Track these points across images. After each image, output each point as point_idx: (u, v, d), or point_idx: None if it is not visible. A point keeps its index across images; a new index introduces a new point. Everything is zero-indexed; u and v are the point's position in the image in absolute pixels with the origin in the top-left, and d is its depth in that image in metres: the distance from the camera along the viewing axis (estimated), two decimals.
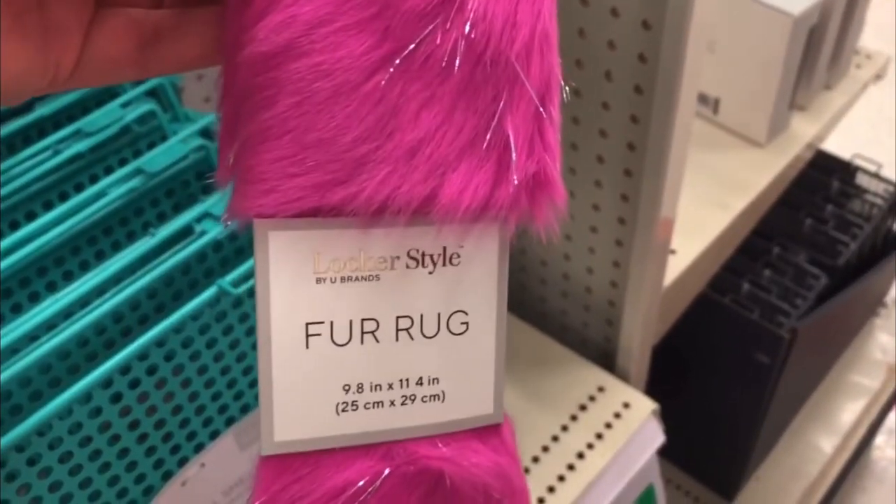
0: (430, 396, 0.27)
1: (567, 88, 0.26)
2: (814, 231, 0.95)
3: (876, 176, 0.99)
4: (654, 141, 0.57)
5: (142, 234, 0.47)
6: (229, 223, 0.26)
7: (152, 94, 0.52)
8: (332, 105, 0.24)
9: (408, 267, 0.26)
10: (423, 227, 0.25)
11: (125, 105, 0.50)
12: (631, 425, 0.67)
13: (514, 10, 0.24)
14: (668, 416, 0.70)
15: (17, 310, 0.44)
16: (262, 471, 0.27)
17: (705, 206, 0.79)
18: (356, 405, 0.26)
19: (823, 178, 0.99)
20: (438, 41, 0.23)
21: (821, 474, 1.05)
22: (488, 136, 0.25)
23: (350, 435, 0.27)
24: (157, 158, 0.48)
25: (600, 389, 0.70)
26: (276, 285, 0.25)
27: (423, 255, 0.26)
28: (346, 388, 0.26)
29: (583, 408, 0.69)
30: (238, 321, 0.45)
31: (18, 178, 0.46)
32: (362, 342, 0.26)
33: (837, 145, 1.01)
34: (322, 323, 0.25)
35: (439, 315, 0.26)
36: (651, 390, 0.73)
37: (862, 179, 1.00)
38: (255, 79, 0.24)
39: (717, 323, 0.88)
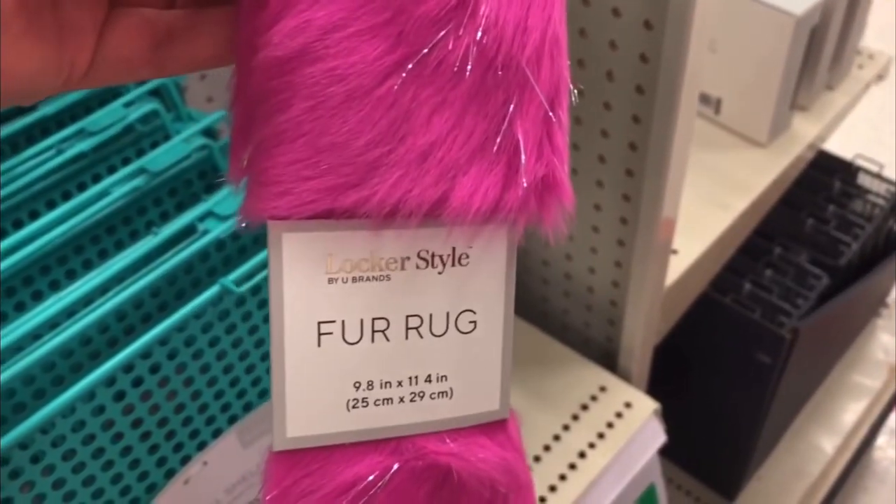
0: (439, 393, 0.28)
1: (575, 92, 0.26)
2: (815, 231, 0.95)
3: (878, 176, 0.99)
4: (656, 141, 0.57)
5: (145, 233, 0.47)
6: (243, 224, 0.26)
7: (155, 93, 0.52)
8: (346, 109, 0.24)
9: (418, 267, 0.26)
10: (433, 229, 0.26)
11: (128, 104, 0.50)
12: (632, 425, 0.67)
13: (525, 16, 0.24)
14: (669, 416, 0.70)
15: (21, 308, 0.44)
16: (274, 466, 0.27)
17: (707, 206, 0.79)
18: (366, 402, 0.27)
19: (825, 178, 0.99)
20: (451, 46, 0.24)
21: (822, 474, 1.05)
22: (498, 140, 0.25)
23: (360, 431, 0.27)
24: (160, 158, 0.48)
25: (602, 389, 0.70)
26: (289, 285, 0.25)
27: (433, 255, 0.26)
28: (357, 385, 0.27)
29: (584, 407, 0.69)
30: (241, 320, 0.45)
31: (22, 177, 0.46)
32: (373, 340, 0.26)
33: (839, 145, 1.01)
34: (334, 322, 0.26)
35: (448, 314, 0.27)
36: (652, 390, 0.73)
37: (863, 180, 1.00)
38: (270, 82, 0.24)
39: (718, 323, 0.88)
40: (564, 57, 0.26)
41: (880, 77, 0.98)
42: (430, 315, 0.27)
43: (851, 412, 1.09)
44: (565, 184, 0.26)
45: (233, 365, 0.46)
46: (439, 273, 0.26)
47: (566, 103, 0.26)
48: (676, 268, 0.73)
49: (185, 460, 0.45)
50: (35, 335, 0.40)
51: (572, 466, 0.64)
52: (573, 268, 0.72)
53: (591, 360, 0.73)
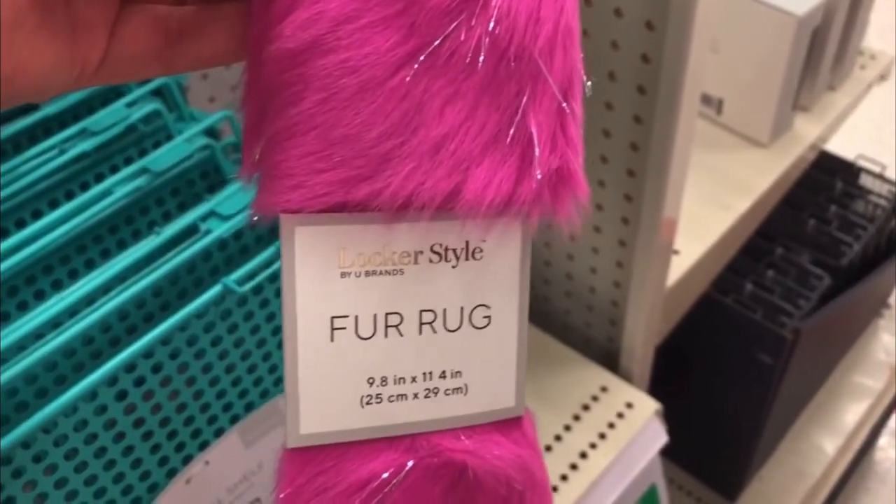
0: (453, 389, 0.27)
1: (588, 84, 0.26)
2: (817, 232, 0.95)
3: (880, 177, 0.99)
4: (658, 141, 0.57)
5: (147, 233, 0.47)
6: (256, 218, 0.26)
7: (157, 93, 0.52)
8: (358, 101, 0.24)
9: (431, 261, 0.26)
10: (446, 222, 0.26)
11: (130, 104, 0.50)
12: (634, 425, 0.67)
13: (537, 6, 0.24)
14: (670, 417, 0.70)
15: (24, 307, 0.44)
16: (287, 463, 0.27)
17: (708, 206, 0.79)
18: (380, 398, 0.27)
19: (827, 178, 0.99)
20: (463, 37, 0.24)
21: (824, 475, 1.05)
22: (511, 132, 0.25)
23: (374, 427, 0.27)
24: (163, 157, 0.48)
25: (603, 389, 0.70)
26: (301, 279, 0.25)
27: (447, 249, 0.26)
28: (371, 380, 0.27)
29: (586, 407, 0.69)
30: (243, 319, 0.45)
31: (24, 177, 0.46)
32: (386, 336, 0.26)
33: (841, 146, 1.01)
34: (347, 317, 0.26)
35: (462, 309, 0.27)
36: (654, 390, 0.73)
37: (865, 180, 1.00)
38: (282, 75, 0.24)
39: (720, 323, 0.88)
40: (577, 48, 0.26)
41: (882, 77, 0.98)
42: (444, 310, 0.27)
43: (853, 413, 1.09)
44: (579, 176, 0.26)
45: (235, 365, 0.46)
46: (453, 267, 0.26)
47: (580, 94, 0.26)
48: (678, 268, 0.73)
49: (187, 460, 0.45)
50: (37, 334, 0.40)
51: (573, 467, 0.64)
52: (574, 268, 0.72)
53: (592, 360, 0.73)
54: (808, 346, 0.88)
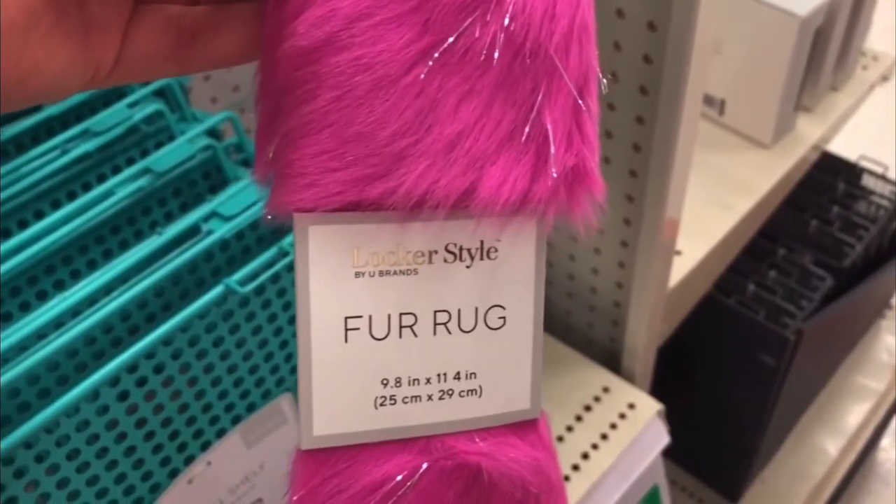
0: (468, 391, 0.27)
1: (605, 80, 0.26)
2: (819, 232, 0.95)
3: (882, 177, 0.99)
4: (660, 142, 0.57)
5: (149, 234, 0.47)
6: (270, 217, 0.26)
7: (160, 94, 0.52)
8: (372, 99, 0.24)
9: (445, 261, 0.26)
10: (461, 221, 0.25)
11: (133, 105, 0.50)
12: (636, 426, 0.67)
13: (553, 3, 0.24)
14: (673, 418, 0.70)
15: (26, 308, 0.44)
16: (301, 465, 0.27)
17: (711, 207, 0.79)
18: (394, 399, 0.26)
19: (829, 179, 0.99)
20: (478, 34, 0.24)
21: (826, 476, 1.05)
22: (527, 129, 0.25)
23: (388, 429, 0.27)
24: (165, 158, 0.48)
25: (605, 390, 0.70)
26: (315, 279, 0.25)
27: (461, 249, 0.26)
28: (385, 382, 0.26)
29: (588, 408, 0.69)
30: (244, 320, 0.45)
31: (27, 178, 0.46)
32: (400, 336, 0.26)
33: (843, 147, 1.01)
34: (361, 317, 0.26)
35: (476, 309, 0.27)
36: (656, 391, 0.73)
37: (868, 181, 1.00)
38: (296, 73, 0.24)
39: (722, 324, 0.88)
40: (593, 44, 0.25)
41: (885, 78, 0.98)
42: (459, 310, 0.26)
43: (855, 414, 1.09)
44: (595, 174, 0.26)
45: (237, 365, 0.46)
46: (467, 267, 0.26)
47: (595, 91, 0.26)
48: (680, 269, 0.73)
49: (189, 460, 0.45)
50: (40, 335, 0.40)
51: (575, 468, 0.64)
52: (576, 269, 0.72)
53: (594, 360, 0.73)
54: (810, 347, 0.88)
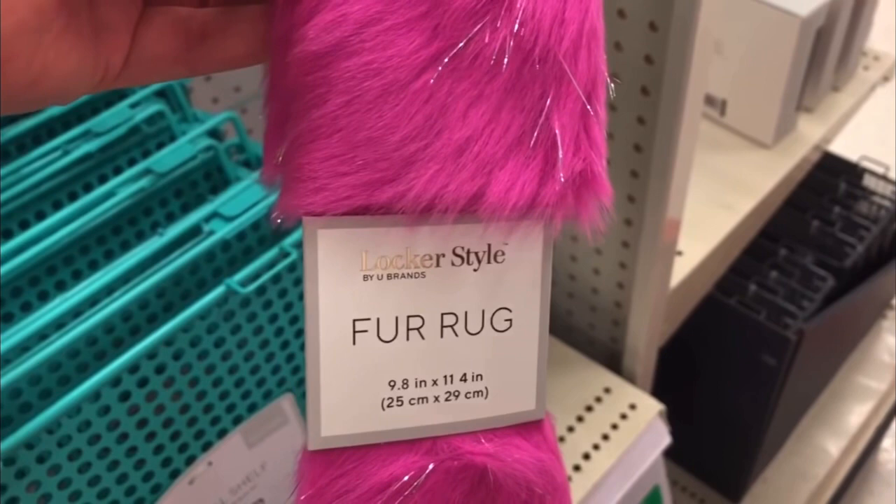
0: (474, 392, 0.27)
1: (612, 85, 0.26)
2: (820, 233, 0.95)
3: (883, 178, 0.99)
4: (661, 142, 0.57)
5: (150, 234, 0.47)
6: (279, 220, 0.26)
7: (161, 94, 0.52)
8: (382, 104, 0.24)
9: (453, 264, 0.26)
10: (469, 225, 0.26)
11: (134, 105, 0.51)
12: (637, 426, 0.67)
13: (562, 8, 0.24)
14: (674, 418, 0.70)
15: (27, 308, 0.44)
16: (308, 465, 0.27)
17: (712, 207, 0.79)
18: (401, 401, 0.27)
19: (830, 179, 0.99)
20: (487, 39, 0.24)
21: (827, 477, 1.04)
22: (535, 134, 0.25)
23: (395, 430, 0.27)
24: (166, 159, 0.48)
25: (606, 390, 0.70)
26: (324, 282, 0.25)
27: (469, 252, 0.26)
28: (392, 383, 0.27)
29: (589, 409, 0.69)
30: (246, 320, 0.45)
31: (28, 178, 0.46)
32: (408, 338, 0.26)
33: (844, 147, 1.01)
34: (369, 319, 0.26)
35: (483, 312, 0.27)
36: (657, 391, 0.73)
37: (869, 181, 1.00)
38: (306, 77, 0.24)
39: (723, 324, 0.88)
40: (602, 49, 0.25)
41: (886, 78, 0.98)
42: (466, 313, 0.27)
43: (857, 414, 1.09)
44: (603, 178, 0.26)
45: (238, 366, 0.46)
46: (475, 270, 0.26)
47: (603, 96, 0.26)
48: (681, 269, 0.73)
49: (190, 460, 0.45)
50: (41, 335, 0.40)
51: (577, 468, 0.64)
52: (578, 269, 0.72)
53: (595, 361, 0.73)
54: (811, 348, 0.88)
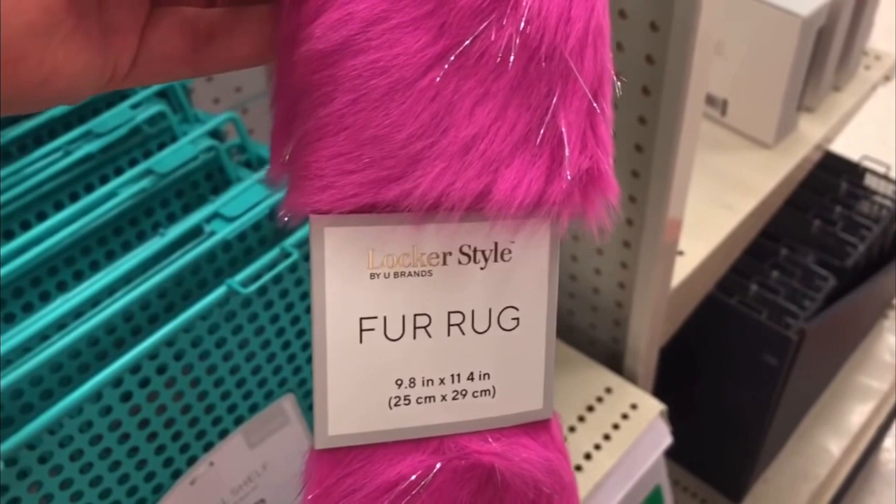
0: (481, 392, 0.27)
1: (618, 83, 0.26)
2: (822, 232, 0.95)
3: (884, 177, 0.99)
4: (662, 142, 0.57)
5: (152, 235, 0.47)
6: (286, 218, 0.26)
7: (162, 95, 0.52)
8: (388, 102, 0.24)
9: (460, 263, 0.26)
10: (475, 223, 0.26)
11: (135, 106, 0.51)
12: (638, 426, 0.67)
13: (568, 5, 0.24)
14: (675, 418, 0.70)
15: (29, 309, 0.44)
16: (315, 465, 0.27)
17: (713, 207, 0.79)
18: (408, 399, 0.27)
19: (831, 179, 0.99)
20: (493, 37, 0.24)
21: (829, 476, 1.04)
22: (541, 132, 0.25)
23: (402, 429, 0.27)
24: (167, 159, 0.48)
25: (608, 390, 0.70)
26: (331, 281, 0.25)
27: (475, 250, 0.26)
28: (399, 382, 0.27)
29: (590, 409, 0.69)
30: (247, 321, 0.45)
31: (29, 179, 0.46)
32: (414, 337, 0.26)
33: (846, 147, 1.01)
34: (375, 318, 0.26)
35: (490, 311, 0.27)
36: (658, 391, 0.73)
37: (870, 181, 1.00)
38: (312, 76, 0.24)
39: (724, 324, 0.88)
40: (608, 47, 0.25)
41: (887, 78, 0.98)
42: (472, 311, 0.27)
43: (858, 414, 1.09)
44: (610, 176, 0.26)
45: (239, 366, 0.46)
46: (481, 268, 0.26)
47: (610, 94, 0.26)
48: (682, 269, 0.73)
49: (192, 461, 0.45)
50: (43, 336, 0.40)
51: (578, 468, 0.64)
52: (578, 269, 0.72)
53: (596, 361, 0.73)
54: (813, 347, 0.88)
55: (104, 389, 0.40)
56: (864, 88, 0.94)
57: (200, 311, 0.42)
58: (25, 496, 0.39)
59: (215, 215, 0.45)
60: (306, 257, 0.47)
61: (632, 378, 0.72)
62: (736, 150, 0.86)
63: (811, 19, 0.77)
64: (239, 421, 0.47)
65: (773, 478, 1.05)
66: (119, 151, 0.50)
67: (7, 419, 0.39)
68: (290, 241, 0.45)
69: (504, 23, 0.24)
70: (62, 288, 0.45)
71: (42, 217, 0.47)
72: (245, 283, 0.44)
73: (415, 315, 0.26)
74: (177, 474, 0.45)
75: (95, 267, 0.46)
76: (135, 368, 0.41)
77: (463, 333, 0.27)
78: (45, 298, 0.45)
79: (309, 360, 0.50)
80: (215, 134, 0.51)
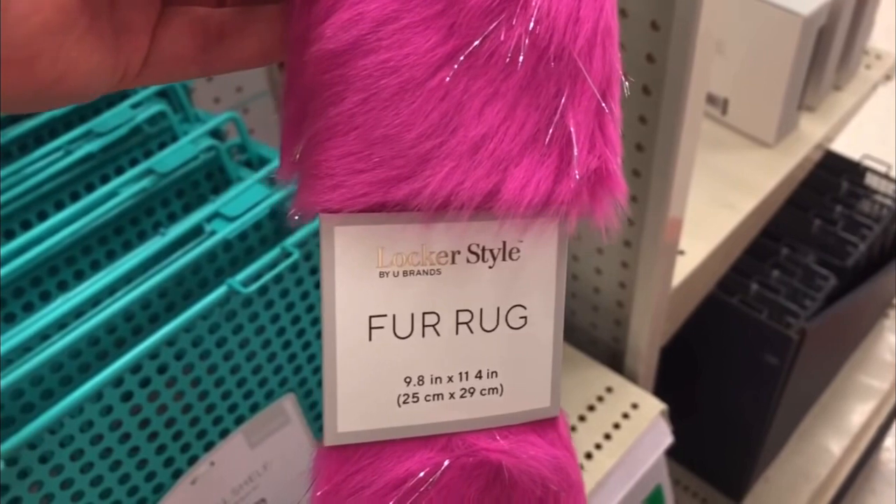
0: (489, 389, 0.28)
1: (628, 84, 0.26)
2: (822, 232, 0.95)
3: (885, 176, 0.99)
4: (663, 141, 0.57)
5: (152, 234, 0.47)
6: (296, 217, 0.26)
7: (163, 94, 0.52)
8: (398, 101, 0.24)
9: (468, 261, 0.26)
10: (484, 222, 0.26)
11: (136, 106, 0.51)
12: (639, 426, 0.67)
13: (577, 6, 0.24)
14: (676, 417, 0.70)
15: (29, 308, 0.44)
16: (324, 461, 0.27)
17: (714, 206, 0.79)
18: (417, 397, 0.27)
19: (832, 178, 0.99)
20: (503, 37, 0.24)
21: (829, 476, 1.04)
22: (550, 132, 0.25)
23: (411, 427, 0.27)
24: (168, 159, 0.48)
25: (608, 390, 0.70)
26: (340, 279, 0.26)
27: (484, 249, 0.26)
28: (408, 380, 0.27)
29: (591, 408, 0.69)
30: (247, 320, 0.45)
31: (30, 179, 0.46)
32: (423, 335, 0.26)
33: (846, 146, 1.01)
34: (385, 316, 0.26)
35: (498, 309, 0.27)
36: (659, 391, 0.73)
37: (871, 180, 1.00)
38: (323, 76, 0.24)
39: (725, 323, 0.88)
40: (616, 48, 0.26)
41: (888, 77, 0.98)
42: (481, 310, 0.27)
43: (859, 413, 1.09)
44: (618, 176, 0.26)
45: (240, 366, 0.46)
46: (490, 267, 0.26)
47: (618, 94, 0.26)
48: (683, 268, 0.73)
49: (193, 460, 0.45)
50: (43, 336, 0.40)
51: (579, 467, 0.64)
52: (579, 269, 0.72)
53: (597, 360, 0.73)
54: (813, 347, 0.88)
55: (105, 389, 0.40)
56: (864, 88, 0.94)
57: (201, 311, 0.42)
58: (26, 496, 0.39)
59: (216, 215, 0.45)
60: (307, 257, 0.47)
61: (632, 377, 0.72)
62: (737, 149, 0.86)
63: (812, 18, 0.77)
64: (240, 420, 0.47)
65: (774, 477, 1.05)
66: (120, 151, 0.50)
67: (8, 419, 0.39)
68: (290, 241, 0.45)
69: (514, 23, 0.24)
70: (63, 287, 0.45)
71: (43, 216, 0.47)
72: (246, 283, 0.44)
73: (423, 313, 0.26)
74: (177, 474, 0.45)
75: (96, 266, 0.46)
76: (135, 368, 0.41)
77: (471, 332, 0.27)
78: (46, 298, 0.45)
79: (309, 359, 0.50)
80: (216, 133, 0.51)
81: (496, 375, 0.28)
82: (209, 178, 0.50)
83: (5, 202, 0.45)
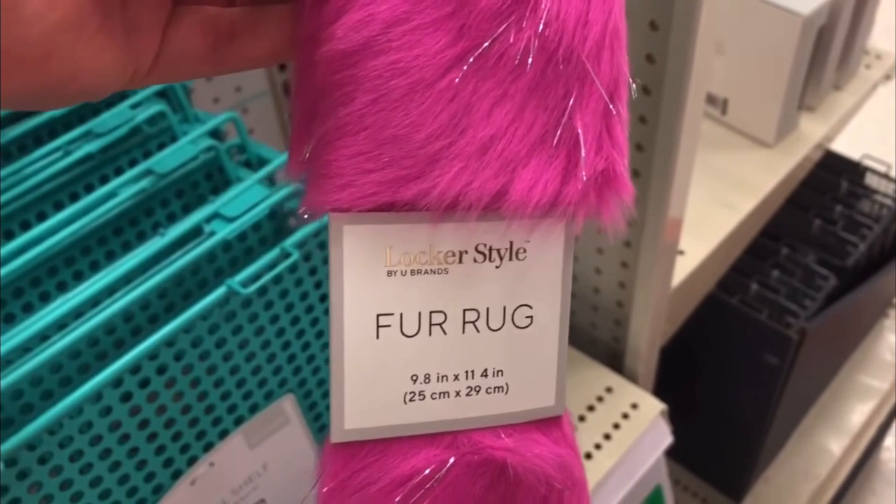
0: (495, 388, 0.28)
1: (635, 86, 0.27)
2: (822, 232, 0.95)
3: (885, 176, 0.99)
4: (663, 141, 0.57)
5: (152, 235, 0.47)
6: (306, 215, 0.26)
7: (162, 95, 0.52)
8: (408, 102, 0.24)
9: (475, 261, 0.26)
10: (491, 223, 0.26)
11: (135, 106, 0.51)
12: (639, 426, 0.67)
13: (586, 9, 0.24)
14: (676, 417, 0.70)
15: (29, 309, 0.44)
16: (330, 458, 0.28)
17: (713, 206, 0.79)
18: (423, 395, 0.27)
19: (832, 178, 0.99)
20: (512, 39, 0.24)
21: (829, 476, 1.04)
22: (558, 133, 0.25)
23: (417, 424, 0.27)
24: (167, 159, 0.48)
25: (608, 390, 0.70)
26: (349, 278, 0.26)
27: (491, 249, 0.26)
28: (414, 378, 0.27)
29: (591, 408, 0.69)
30: (247, 321, 0.45)
31: (29, 179, 0.46)
32: (430, 334, 0.27)
33: (846, 146, 1.01)
34: (392, 314, 0.26)
35: (504, 308, 0.27)
36: (659, 391, 0.73)
37: (871, 180, 1.00)
38: (333, 76, 0.25)
39: (725, 323, 0.88)
40: (624, 51, 0.26)
41: (888, 77, 0.98)
42: (487, 309, 0.27)
43: (859, 413, 1.09)
44: (625, 178, 0.26)
45: (239, 366, 0.46)
46: (496, 267, 0.27)
47: (626, 97, 0.26)
48: (683, 268, 0.73)
49: (192, 461, 0.45)
50: (43, 336, 0.40)
51: None
52: (579, 269, 0.72)
53: (597, 360, 0.73)
54: (813, 347, 0.88)
55: (104, 390, 0.40)
56: (864, 87, 0.94)
57: (200, 312, 0.42)
58: (25, 497, 0.39)
59: (215, 215, 0.45)
60: (306, 258, 0.47)
61: (632, 377, 0.72)
62: (736, 149, 0.86)
63: (812, 18, 0.77)
64: (239, 421, 0.47)
65: (774, 477, 1.05)
66: (119, 151, 0.50)
67: (7, 419, 0.39)
68: (290, 242, 0.45)
69: (523, 25, 0.24)
70: (62, 288, 0.45)
71: (42, 217, 0.47)
72: (245, 284, 0.44)
73: (430, 312, 0.27)
74: (177, 475, 0.45)
75: (95, 267, 0.46)
76: (135, 369, 0.41)
77: (477, 331, 0.27)
78: (45, 299, 0.45)
79: (309, 360, 0.50)
80: (215, 134, 0.51)
81: (502, 374, 0.28)
82: (208, 179, 0.50)
83: (4, 203, 0.45)
